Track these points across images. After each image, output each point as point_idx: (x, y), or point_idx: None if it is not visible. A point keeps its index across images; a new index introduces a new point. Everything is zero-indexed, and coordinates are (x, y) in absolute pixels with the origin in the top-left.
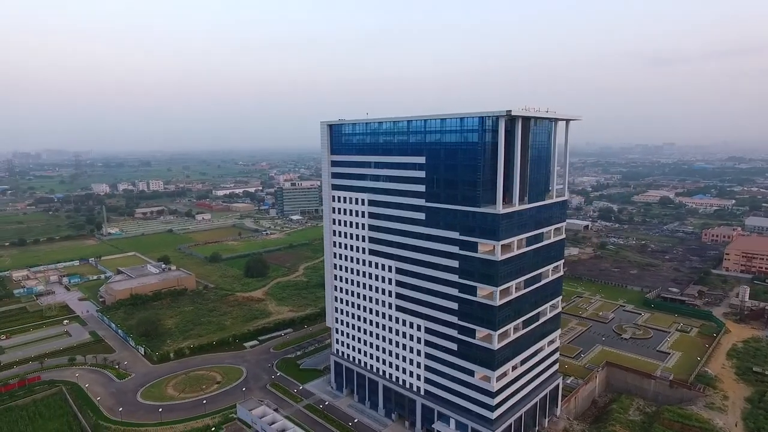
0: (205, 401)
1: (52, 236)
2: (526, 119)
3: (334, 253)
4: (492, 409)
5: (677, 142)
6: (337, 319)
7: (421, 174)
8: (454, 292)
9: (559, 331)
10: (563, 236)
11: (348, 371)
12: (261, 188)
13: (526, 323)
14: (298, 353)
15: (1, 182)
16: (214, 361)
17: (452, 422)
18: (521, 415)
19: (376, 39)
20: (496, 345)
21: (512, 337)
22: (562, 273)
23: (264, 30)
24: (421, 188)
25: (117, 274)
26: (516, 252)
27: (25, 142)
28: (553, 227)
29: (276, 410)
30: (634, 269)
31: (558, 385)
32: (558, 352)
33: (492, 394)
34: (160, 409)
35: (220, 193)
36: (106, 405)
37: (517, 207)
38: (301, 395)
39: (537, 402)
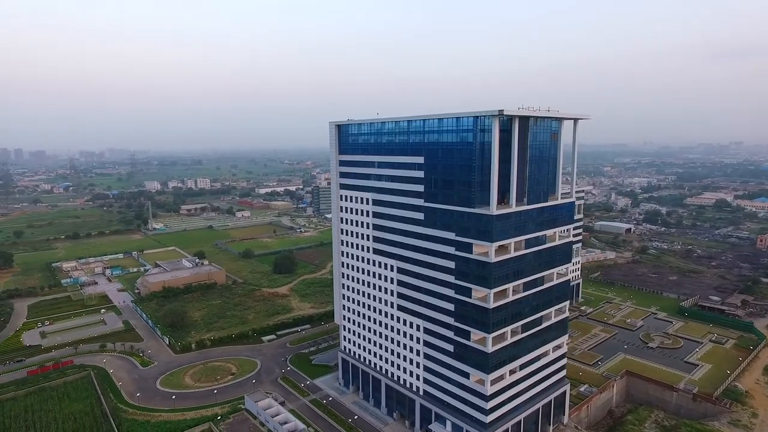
0: (216, 391)
1: (103, 230)
2: (524, 119)
3: (342, 252)
4: (486, 412)
5: (746, 140)
6: (344, 316)
7: (420, 174)
8: (451, 293)
9: (566, 337)
10: (571, 239)
11: (354, 368)
12: (302, 187)
13: (526, 327)
14: (312, 349)
15: (66, 179)
16: (233, 353)
17: (448, 424)
18: (520, 421)
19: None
20: (490, 348)
21: (509, 340)
22: (569, 277)
23: (311, 31)
24: (420, 188)
25: (154, 268)
26: (513, 254)
27: (90, 142)
28: (558, 229)
29: (282, 403)
30: (674, 275)
31: (565, 392)
32: (565, 358)
33: (486, 398)
34: (174, 397)
35: (262, 191)
36: (128, 390)
37: (513, 208)
38: (309, 390)
39: (539, 408)
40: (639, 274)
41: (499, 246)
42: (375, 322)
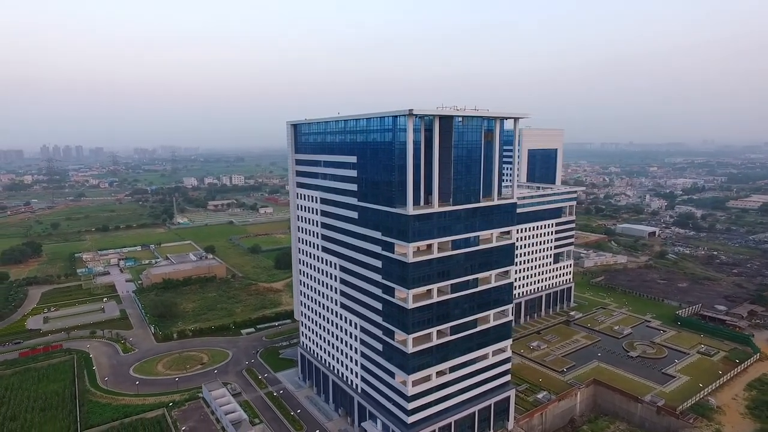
0: (177, 379)
1: (131, 224)
2: (448, 118)
3: (299, 249)
4: (408, 413)
5: None
6: (302, 312)
7: (354, 173)
8: (379, 292)
9: (509, 341)
10: (512, 241)
11: (309, 364)
12: None
13: (456, 329)
14: (284, 344)
15: (115, 175)
16: (210, 344)
17: (379, 423)
18: (451, 423)
19: (463, 36)
20: (410, 349)
21: (435, 342)
22: (511, 280)
23: (360, 29)
24: (355, 187)
25: (163, 260)
26: (437, 255)
27: (144, 140)
28: (495, 231)
29: (238, 394)
30: (685, 282)
31: (509, 398)
32: (509, 363)
33: (407, 398)
34: (137, 382)
35: None
36: (102, 374)
37: (436, 209)
38: (269, 383)
39: (476, 412)
40: (647, 280)
41: (421, 246)
42: (325, 320)
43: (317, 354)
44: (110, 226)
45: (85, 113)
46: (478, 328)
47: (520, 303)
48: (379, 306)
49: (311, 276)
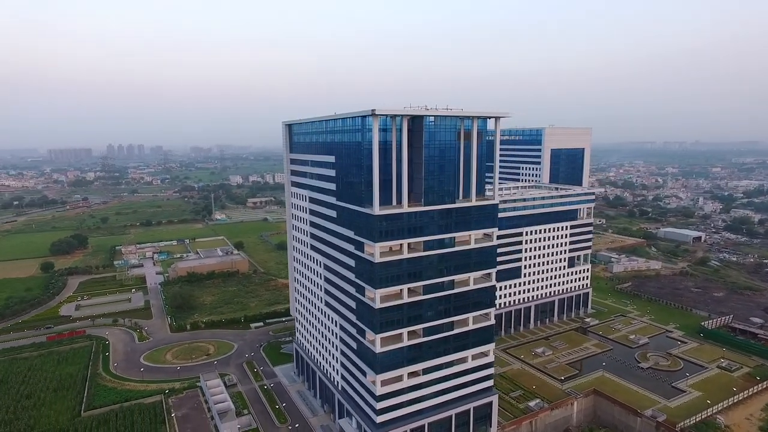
0: (179, 368)
1: (172, 219)
2: (419, 118)
3: (293, 247)
4: (376, 412)
5: None
6: (296, 309)
7: (332, 173)
8: (353, 291)
9: (491, 345)
10: (493, 243)
11: (302, 359)
12: None
13: (430, 331)
14: (288, 339)
15: (169, 172)
16: (219, 336)
17: (353, 420)
18: (424, 425)
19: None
20: (378, 348)
21: (406, 343)
22: (494, 283)
23: (412, 26)
24: (333, 186)
25: (193, 254)
26: (407, 255)
27: (201, 139)
28: (473, 232)
29: (234, 385)
30: (722, 291)
31: (491, 403)
32: (491, 368)
33: (376, 398)
34: (142, 369)
35: None
36: (115, 360)
37: (405, 209)
38: (266, 376)
39: (452, 416)
40: (679, 288)
41: (393, 246)
42: (313, 317)
43: (308, 350)
44: (153, 221)
45: (148, 114)
46: (455, 331)
47: (530, 307)
48: (353, 305)
49: (303, 273)
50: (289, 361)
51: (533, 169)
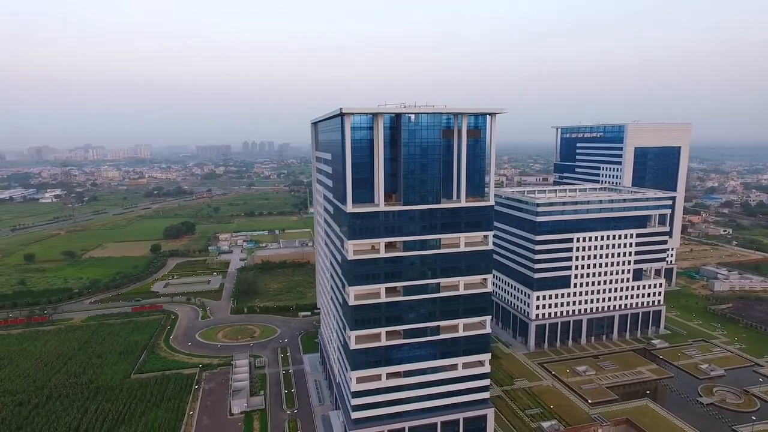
0: (219, 345)
1: (272, 211)
2: (398, 116)
3: (317, 242)
4: (351, 408)
5: None
6: (320, 301)
7: (330, 170)
8: (341, 286)
9: (487, 355)
10: (488, 247)
11: (322, 350)
12: None
13: (411, 334)
14: None
15: (289, 167)
16: (268, 321)
17: (341, 414)
18: (403, 429)
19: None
20: (352, 345)
21: (384, 343)
22: (489, 289)
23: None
24: (331, 183)
25: (275, 245)
26: (384, 255)
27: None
28: (462, 235)
29: (262, 367)
30: None
31: (485, 416)
32: (486, 379)
33: (351, 394)
34: (190, 344)
35: None
36: (177, 333)
37: (381, 208)
38: (293, 362)
39: (437, 424)
40: None
41: (373, 245)
42: (327, 310)
43: (325, 341)
44: (256, 212)
45: (279, 112)
46: (442, 336)
47: (581, 321)
48: (341, 300)
49: (322, 267)
50: (317, 351)
51: (614, 169)
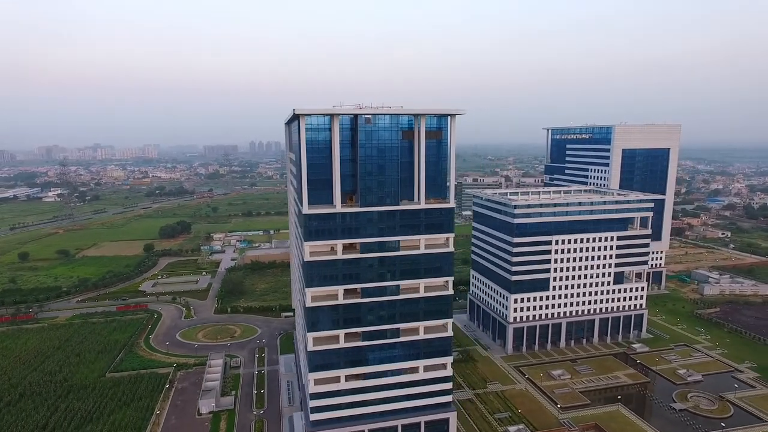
0: (196, 345)
1: (270, 211)
2: (356, 117)
3: (291, 243)
4: (309, 410)
5: None
6: (295, 303)
7: (295, 171)
8: (302, 287)
9: (449, 358)
10: (449, 249)
11: (296, 351)
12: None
13: (370, 336)
14: None
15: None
16: (250, 321)
17: (303, 415)
18: (363, 431)
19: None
20: (309, 347)
21: (342, 345)
22: (451, 292)
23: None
24: (297, 184)
25: (267, 245)
26: (341, 256)
27: None
28: (423, 237)
29: (237, 367)
30: None
31: (447, 420)
32: (449, 382)
33: (309, 396)
34: (167, 343)
35: None
36: (158, 333)
37: (337, 209)
38: (269, 362)
39: (398, 427)
40: None
41: (332, 246)
42: (298, 311)
43: (297, 342)
44: (254, 212)
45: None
46: (402, 339)
47: (560, 324)
48: (302, 301)
49: (294, 269)
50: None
51: (602, 171)
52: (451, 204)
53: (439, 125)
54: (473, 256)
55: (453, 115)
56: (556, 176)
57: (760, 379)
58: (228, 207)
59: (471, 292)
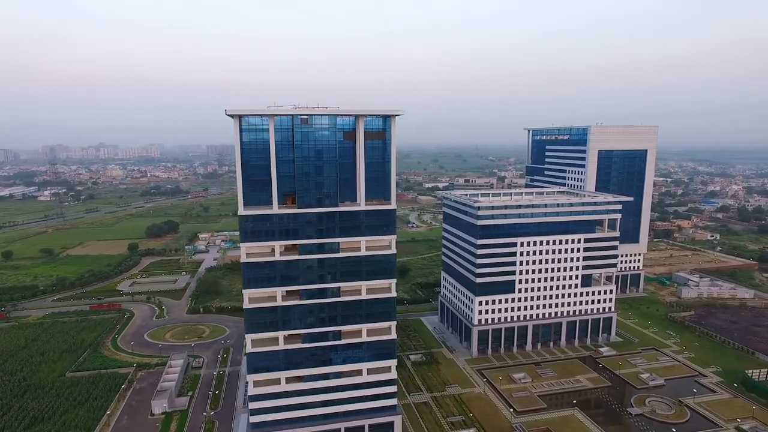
0: (160, 345)
1: None
2: (292, 118)
3: None
4: (250, 412)
5: None
6: None
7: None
8: None
9: (393, 361)
10: (391, 251)
11: None
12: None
13: (310, 338)
14: None
15: None
16: (221, 321)
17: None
18: None
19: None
20: (248, 348)
21: (282, 347)
22: (394, 294)
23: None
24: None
25: None
26: (279, 258)
27: None
28: (364, 239)
29: (200, 367)
30: None
31: (392, 423)
32: (393, 386)
33: (249, 397)
34: (133, 343)
35: (429, 185)
36: (127, 332)
37: (274, 210)
38: (232, 363)
39: (341, 430)
40: (760, 325)
41: (272, 247)
42: None
43: None
44: None
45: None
46: (344, 341)
47: (526, 327)
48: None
49: None
50: None
51: (578, 173)
52: (393, 206)
53: (381, 126)
54: (444, 258)
55: (393, 116)
56: (536, 177)
57: (722, 383)
58: (220, 207)
59: (441, 294)
